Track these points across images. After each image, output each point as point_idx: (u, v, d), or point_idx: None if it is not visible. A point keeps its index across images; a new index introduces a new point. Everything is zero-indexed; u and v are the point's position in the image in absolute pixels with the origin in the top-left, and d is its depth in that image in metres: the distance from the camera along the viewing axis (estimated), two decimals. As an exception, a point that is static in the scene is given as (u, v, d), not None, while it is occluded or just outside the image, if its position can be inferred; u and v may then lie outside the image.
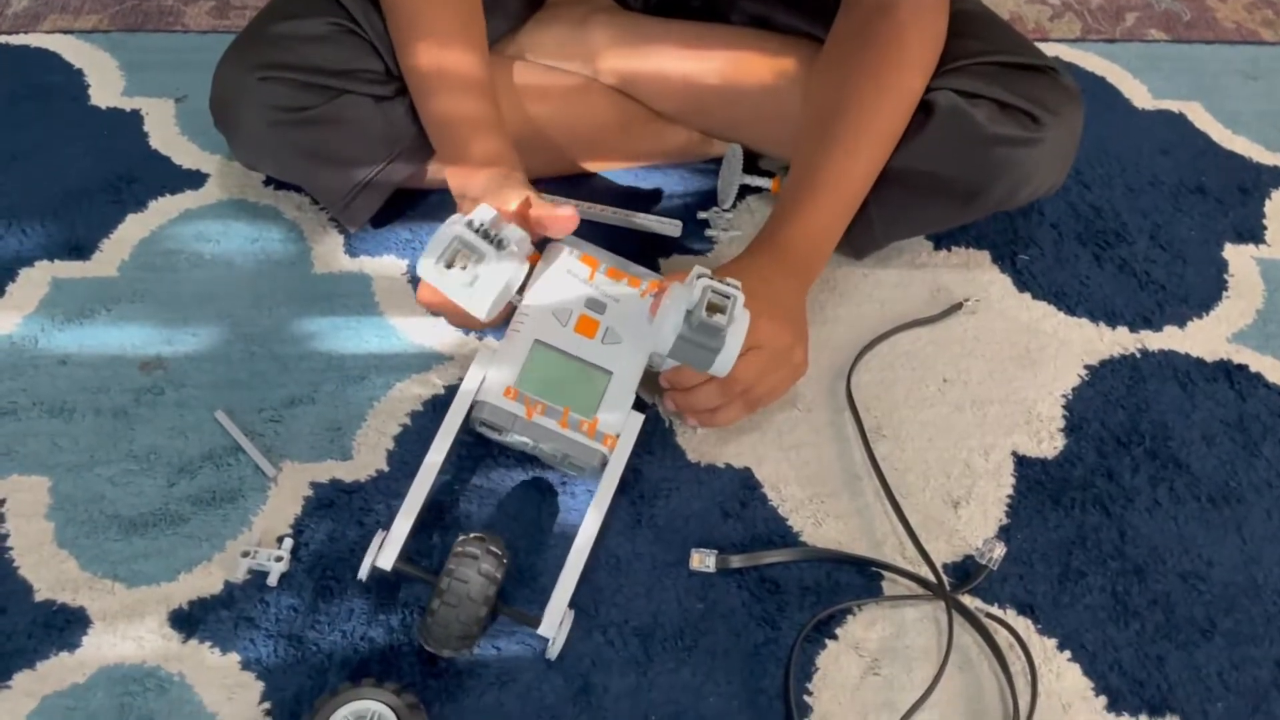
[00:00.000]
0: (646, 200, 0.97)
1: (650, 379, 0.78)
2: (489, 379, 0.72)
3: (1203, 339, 0.90)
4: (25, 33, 1.12)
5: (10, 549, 0.72)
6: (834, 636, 0.71)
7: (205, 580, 0.71)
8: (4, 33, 1.12)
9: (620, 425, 0.72)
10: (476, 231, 0.68)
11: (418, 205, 0.94)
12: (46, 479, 0.76)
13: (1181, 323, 0.92)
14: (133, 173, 0.97)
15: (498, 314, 0.72)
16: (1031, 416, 0.84)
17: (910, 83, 0.81)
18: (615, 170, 0.99)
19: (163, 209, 0.94)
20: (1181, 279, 0.95)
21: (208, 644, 0.68)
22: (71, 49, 1.10)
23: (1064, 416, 0.84)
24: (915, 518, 0.76)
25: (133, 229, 0.92)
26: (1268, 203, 1.03)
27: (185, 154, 0.99)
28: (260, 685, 0.67)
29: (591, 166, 0.98)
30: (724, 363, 0.69)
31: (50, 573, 0.71)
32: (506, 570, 0.67)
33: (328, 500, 0.75)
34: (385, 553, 0.67)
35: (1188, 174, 1.05)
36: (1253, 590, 0.75)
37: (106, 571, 0.71)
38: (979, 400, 0.85)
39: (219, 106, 0.83)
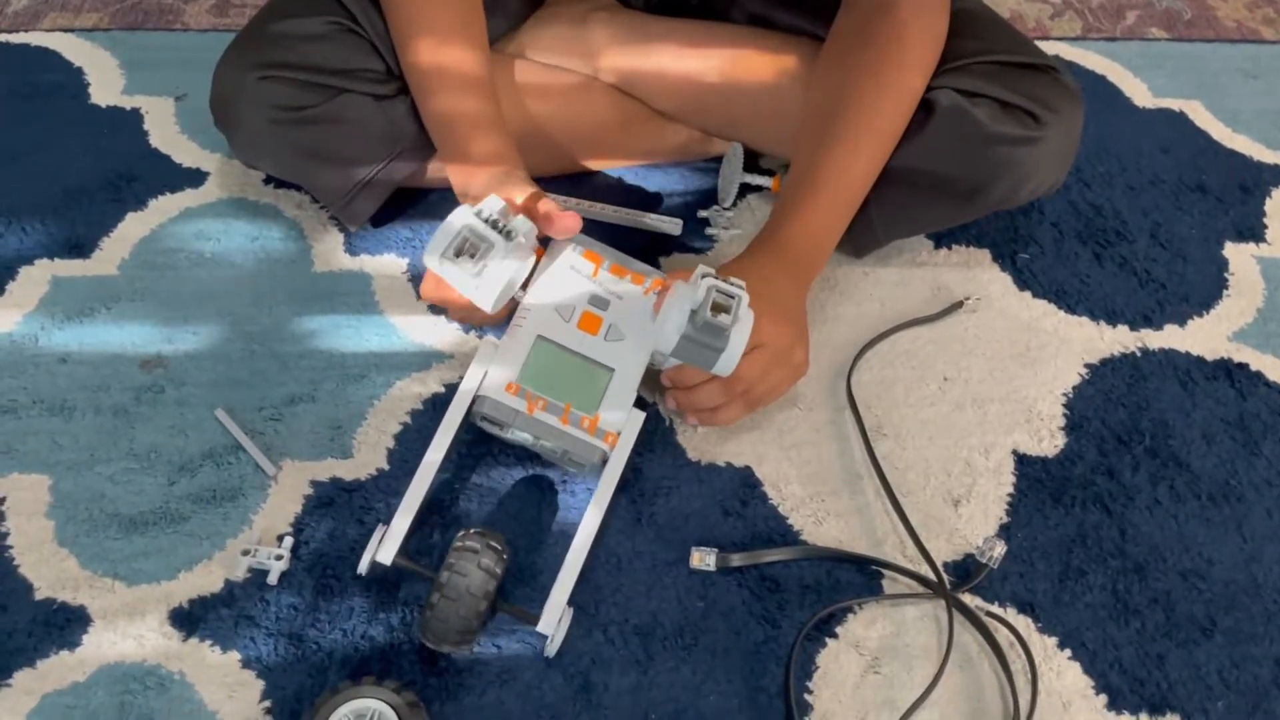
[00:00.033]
0: (647, 199, 0.97)
1: (651, 377, 0.78)
2: (491, 374, 0.72)
3: (1203, 337, 0.90)
4: (25, 31, 1.12)
5: (10, 547, 0.72)
6: (834, 635, 0.71)
7: (205, 579, 0.71)
8: (4, 31, 1.12)
9: (622, 423, 0.72)
10: (485, 221, 0.68)
11: (418, 204, 0.94)
12: (47, 477, 0.76)
13: (1182, 321, 0.92)
14: (133, 171, 0.97)
15: (502, 308, 0.72)
16: (1032, 415, 0.84)
17: (911, 81, 0.81)
18: (615, 168, 0.99)
19: (163, 207, 0.94)
20: (1182, 277, 0.95)
21: (208, 642, 0.68)
22: (71, 47, 1.10)
23: (1064, 415, 0.84)
24: (915, 516, 0.76)
25: (133, 227, 0.92)
26: (1268, 201, 1.03)
27: (185, 152, 0.99)
28: (260, 684, 0.67)
29: (592, 165, 0.98)
30: (727, 363, 0.68)
31: (50, 571, 0.71)
32: (507, 566, 0.67)
33: (328, 499, 0.75)
34: (385, 547, 0.67)
35: (1188, 172, 1.05)
36: (1253, 589, 0.75)
37: (107, 570, 0.71)
38: (979, 399, 0.85)
39: (219, 105, 0.83)
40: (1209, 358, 0.89)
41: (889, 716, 0.68)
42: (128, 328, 0.85)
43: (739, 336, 0.68)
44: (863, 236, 0.89)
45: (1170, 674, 0.70)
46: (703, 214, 0.96)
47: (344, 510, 0.75)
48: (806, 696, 0.68)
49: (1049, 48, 1.13)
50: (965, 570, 0.74)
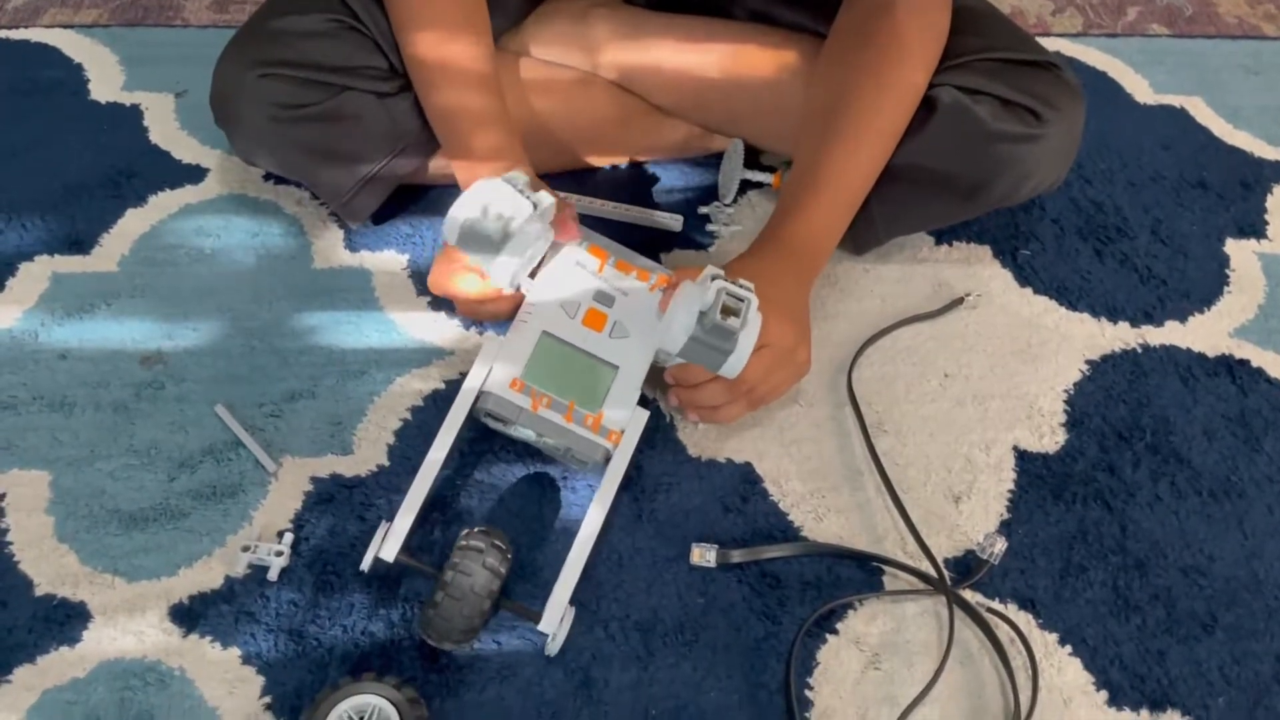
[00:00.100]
0: (648, 195, 0.97)
1: (653, 373, 0.77)
2: (495, 370, 0.72)
3: (1204, 334, 0.90)
4: (25, 27, 1.12)
5: (10, 544, 0.72)
6: (835, 631, 0.71)
7: (206, 575, 0.71)
8: (3, 27, 1.12)
9: (625, 421, 0.72)
10: (514, 189, 0.68)
11: (418, 200, 0.94)
12: (47, 473, 0.76)
13: (1183, 318, 0.91)
14: (132, 167, 0.97)
15: (507, 303, 0.72)
16: (1033, 411, 0.84)
17: (912, 79, 0.81)
18: (616, 165, 0.99)
19: (163, 204, 0.94)
20: (1183, 274, 0.95)
21: (208, 638, 0.68)
22: (71, 43, 1.10)
23: (1065, 411, 0.84)
24: (916, 513, 0.76)
25: (133, 224, 0.92)
26: (1269, 198, 1.03)
27: (185, 149, 0.99)
28: (261, 680, 0.67)
29: (592, 161, 0.98)
30: (735, 364, 0.68)
31: (50, 567, 0.71)
32: (510, 565, 0.67)
33: (328, 495, 0.75)
34: (388, 544, 0.67)
35: (1189, 169, 1.05)
36: (1254, 585, 0.75)
37: (107, 566, 0.71)
38: (980, 395, 0.84)
39: (219, 103, 0.83)
40: (1210, 354, 0.89)
41: (889, 712, 0.68)
42: (128, 324, 0.85)
43: (747, 339, 0.67)
44: (864, 233, 0.89)
45: (1171, 670, 0.70)
46: (703, 210, 0.96)
47: (344, 506, 0.75)
48: (807, 693, 0.68)
49: (1050, 44, 1.12)
50: (966, 566, 0.74)
